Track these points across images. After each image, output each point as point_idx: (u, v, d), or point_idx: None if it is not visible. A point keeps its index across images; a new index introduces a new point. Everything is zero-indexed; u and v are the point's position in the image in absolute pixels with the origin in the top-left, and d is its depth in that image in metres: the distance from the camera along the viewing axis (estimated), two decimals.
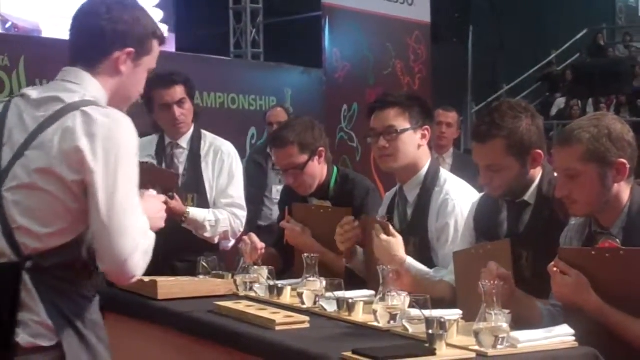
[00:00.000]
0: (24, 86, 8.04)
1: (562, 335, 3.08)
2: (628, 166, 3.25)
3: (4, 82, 7.93)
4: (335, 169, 4.80)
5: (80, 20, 2.89)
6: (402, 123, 4.16)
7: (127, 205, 2.68)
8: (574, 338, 3.08)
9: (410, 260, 4.03)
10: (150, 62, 2.96)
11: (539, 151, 3.68)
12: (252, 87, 10.67)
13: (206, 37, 14.55)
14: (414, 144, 4.18)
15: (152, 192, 3.12)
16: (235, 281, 4.28)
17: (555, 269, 3.20)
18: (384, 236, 4.03)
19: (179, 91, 5.05)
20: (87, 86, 2.82)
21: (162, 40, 3.00)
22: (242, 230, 5.14)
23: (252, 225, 5.45)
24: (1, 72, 7.93)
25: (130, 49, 2.87)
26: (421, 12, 12.87)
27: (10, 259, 2.69)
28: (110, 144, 2.67)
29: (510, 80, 19.82)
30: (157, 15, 14.41)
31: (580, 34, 22.00)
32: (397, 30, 12.42)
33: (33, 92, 2.83)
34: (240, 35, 13.35)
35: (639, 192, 3.32)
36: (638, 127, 12.89)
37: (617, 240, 3.22)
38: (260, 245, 4.51)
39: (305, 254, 3.96)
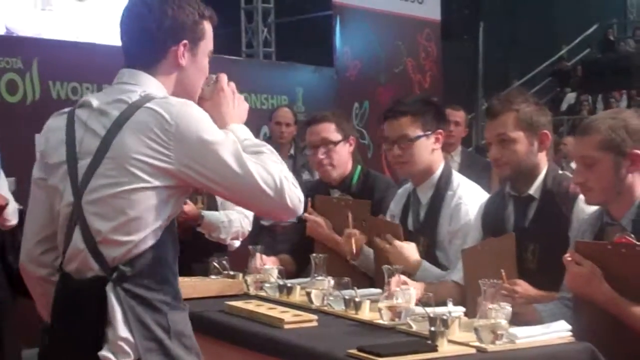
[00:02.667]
0: (37, 88, 8.16)
1: (559, 331, 3.18)
2: None
3: (17, 84, 8.04)
4: (359, 166, 4.92)
5: (127, 26, 2.78)
6: (415, 131, 4.22)
7: (233, 161, 2.60)
8: (570, 333, 3.18)
9: (426, 264, 4.15)
10: (206, 45, 2.84)
11: (547, 132, 3.80)
12: (264, 86, 10.74)
13: (218, 37, 14.56)
14: (427, 150, 4.26)
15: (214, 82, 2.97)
16: (246, 281, 4.38)
17: (569, 259, 3.30)
18: (397, 242, 4.14)
19: None
20: (145, 85, 2.72)
21: (212, 20, 2.88)
22: (250, 229, 5.24)
23: (254, 225, 5.53)
24: (15, 74, 8.02)
25: (184, 41, 2.76)
26: (431, 9, 12.91)
27: (96, 273, 2.62)
28: (184, 125, 2.57)
29: (521, 76, 19.82)
30: None
31: (591, 29, 21.96)
32: (407, 28, 12.46)
33: (94, 101, 2.73)
34: (252, 34, 13.44)
35: None
36: None
37: (632, 235, 3.30)
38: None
39: (314, 254, 4.07)
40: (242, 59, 12.94)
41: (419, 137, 4.22)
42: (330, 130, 4.81)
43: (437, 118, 4.31)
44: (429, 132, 4.25)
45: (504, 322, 3.09)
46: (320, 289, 3.92)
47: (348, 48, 11.71)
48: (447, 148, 7.39)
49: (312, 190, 5.01)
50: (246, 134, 2.81)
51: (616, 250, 3.27)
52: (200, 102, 2.84)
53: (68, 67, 8.64)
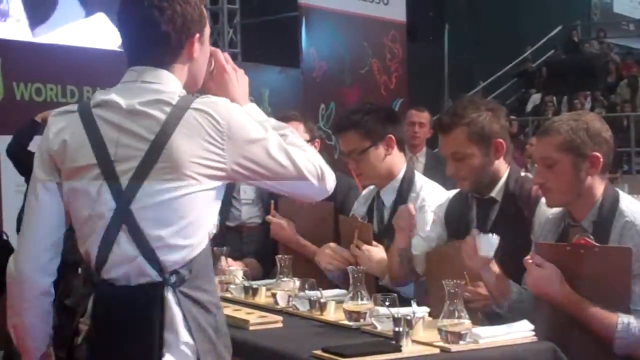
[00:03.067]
0: (0, 89, 8.14)
1: (522, 331, 3.22)
2: (602, 160, 3.37)
3: None
4: None
5: (136, 30, 2.66)
6: (361, 143, 4.22)
7: (281, 155, 2.61)
8: (533, 333, 3.22)
9: None
10: (208, 29, 2.77)
11: (501, 141, 3.79)
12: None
13: None
14: (380, 158, 4.27)
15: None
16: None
17: (530, 261, 3.34)
18: (366, 246, 4.16)
19: None
20: (170, 84, 2.63)
21: (203, 1, 2.79)
22: (215, 231, 5.22)
23: (220, 226, 5.51)
24: None
25: (197, 35, 2.68)
26: (397, 11, 12.96)
27: (152, 279, 2.54)
28: (233, 125, 2.55)
29: (486, 77, 19.90)
30: None
31: (555, 31, 22.10)
32: (373, 29, 12.51)
33: (117, 99, 2.60)
34: (218, 35, 13.40)
35: (612, 189, 3.45)
36: (613, 122, 13.06)
37: (591, 237, 3.32)
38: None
39: (279, 256, 4.08)
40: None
41: (366, 148, 4.23)
42: (299, 130, 4.81)
43: (384, 123, 4.29)
44: (378, 141, 4.25)
45: (467, 322, 3.12)
46: (286, 290, 3.93)
47: (314, 49, 11.74)
48: (412, 149, 7.45)
49: (276, 193, 4.99)
50: (262, 114, 2.77)
51: (575, 252, 3.31)
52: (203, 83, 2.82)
53: (33, 68, 8.62)
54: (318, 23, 11.74)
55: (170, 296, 2.53)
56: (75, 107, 2.70)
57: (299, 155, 2.65)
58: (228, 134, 2.54)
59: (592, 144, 3.36)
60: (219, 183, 2.60)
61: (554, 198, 3.45)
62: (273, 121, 2.75)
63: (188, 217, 2.55)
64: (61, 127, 2.67)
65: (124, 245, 2.55)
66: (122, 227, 2.54)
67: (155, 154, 2.52)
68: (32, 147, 6.70)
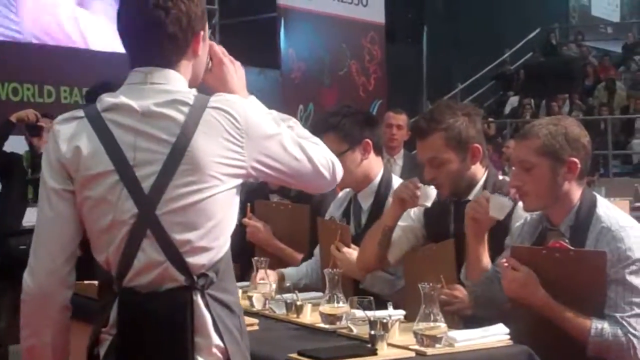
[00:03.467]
0: None
1: (497, 334, 3.23)
2: (579, 166, 3.38)
3: None
4: None
5: (141, 32, 2.58)
6: (338, 146, 4.13)
7: (296, 149, 2.62)
8: (508, 337, 3.23)
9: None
10: (207, 25, 2.71)
11: (478, 146, 3.81)
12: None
13: None
14: (356, 162, 4.26)
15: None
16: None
17: (506, 264, 3.35)
18: (346, 249, 4.15)
19: None
20: (178, 84, 2.58)
21: None
22: None
23: None
24: None
25: (201, 32, 2.63)
26: (375, 13, 12.98)
27: (180, 284, 2.49)
28: (251, 122, 2.53)
29: (465, 79, 19.95)
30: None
31: (533, 33, 22.17)
32: (352, 31, 12.52)
33: (131, 102, 2.52)
34: None
35: (589, 194, 3.46)
36: (590, 125, 13.12)
37: (567, 240, 3.35)
38: None
39: (255, 258, 4.08)
40: None
41: (343, 152, 4.18)
42: None
43: (361, 127, 4.28)
44: (354, 145, 4.24)
45: (443, 326, 3.13)
46: (262, 292, 3.92)
47: (293, 50, 11.74)
48: (390, 151, 7.45)
49: (252, 195, 5.00)
50: (263, 107, 2.72)
51: (551, 255, 3.32)
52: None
53: (9, 68, 8.59)
54: (297, 24, 11.75)
55: (199, 300, 2.49)
56: (81, 112, 2.61)
57: (312, 149, 2.67)
58: (246, 132, 2.51)
59: (570, 150, 3.38)
60: (239, 181, 2.56)
61: (531, 202, 3.46)
62: (275, 113, 2.72)
63: (214, 219, 2.50)
64: (71, 134, 2.56)
65: (150, 251, 2.48)
66: (146, 233, 2.48)
67: (178, 156, 2.46)
68: (7, 147, 6.67)
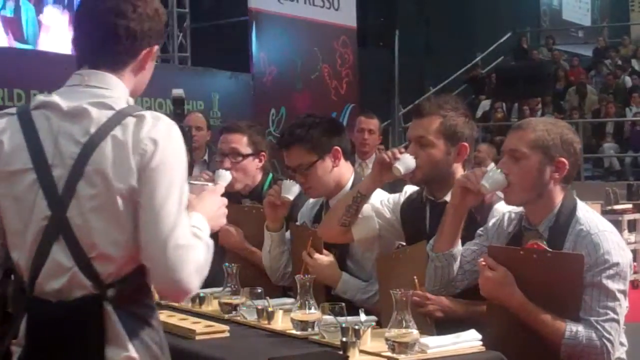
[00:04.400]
0: None
1: (470, 340, 3.20)
2: (567, 168, 3.39)
3: None
4: (271, 175, 4.92)
5: (102, 21, 2.52)
6: (308, 158, 4.18)
7: (180, 219, 2.41)
8: (481, 343, 3.21)
9: (345, 276, 4.16)
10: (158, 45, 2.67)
11: (467, 145, 3.84)
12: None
13: None
14: (327, 171, 4.24)
15: (207, 185, 2.85)
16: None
17: (483, 264, 3.34)
18: (317, 255, 4.14)
19: None
20: (117, 90, 2.52)
21: None
22: None
23: None
24: None
25: (156, 46, 2.61)
26: (347, 17, 13.01)
27: (89, 291, 2.41)
28: (168, 150, 2.42)
29: (437, 83, 19.97)
30: None
31: (505, 37, 22.27)
32: (323, 34, 12.54)
33: (58, 101, 2.47)
34: (167, 39, 13.36)
35: (571, 198, 3.46)
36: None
37: (545, 242, 3.35)
38: None
39: (226, 264, 4.05)
40: (157, 63, 12.76)
41: (313, 162, 4.19)
42: (241, 143, 4.81)
43: (329, 136, 4.26)
44: (323, 154, 4.22)
45: (415, 332, 3.10)
46: (233, 299, 3.89)
47: (264, 54, 11.73)
48: (362, 156, 7.47)
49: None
50: (204, 226, 2.56)
51: (528, 256, 3.32)
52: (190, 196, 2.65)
53: None
54: (268, 28, 11.74)
55: (111, 311, 2.41)
56: (14, 109, 2.58)
57: (185, 226, 2.43)
58: (154, 153, 2.40)
59: (562, 150, 3.39)
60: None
61: (514, 193, 3.45)
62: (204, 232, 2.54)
63: (120, 227, 2.41)
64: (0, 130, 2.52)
65: (59, 255, 2.41)
66: (58, 237, 2.41)
67: (85, 159, 2.40)
68: None
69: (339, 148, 4.26)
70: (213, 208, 2.73)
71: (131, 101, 2.54)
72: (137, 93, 2.66)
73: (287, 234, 4.54)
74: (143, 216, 2.39)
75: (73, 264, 2.40)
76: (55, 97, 2.50)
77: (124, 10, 2.51)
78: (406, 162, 3.76)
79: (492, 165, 3.62)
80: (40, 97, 2.54)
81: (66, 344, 2.41)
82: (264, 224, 4.51)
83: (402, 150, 3.86)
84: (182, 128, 2.60)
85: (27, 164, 2.44)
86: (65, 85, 2.56)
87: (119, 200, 2.39)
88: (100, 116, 2.43)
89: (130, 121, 2.42)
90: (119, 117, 2.43)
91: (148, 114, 2.45)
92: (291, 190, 4.24)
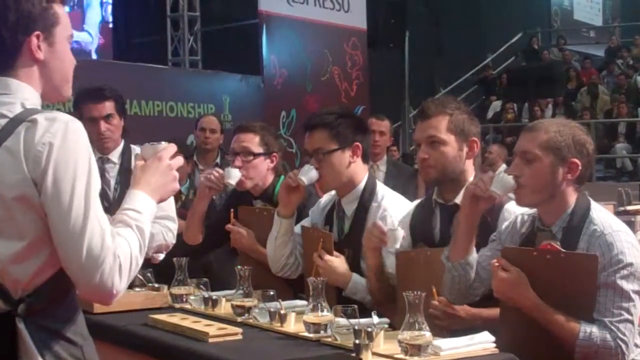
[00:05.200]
0: None
1: (483, 342, 3.19)
2: (580, 169, 3.39)
3: None
4: (282, 177, 4.92)
5: None
6: (329, 144, 4.23)
7: (89, 220, 2.32)
8: (494, 345, 3.20)
9: (356, 277, 4.15)
10: (64, 31, 2.52)
11: (476, 140, 3.86)
12: (190, 95, 10.73)
13: (144, 46, 14.52)
14: (344, 163, 4.25)
15: (157, 146, 2.67)
16: (170, 293, 4.33)
17: (497, 264, 3.34)
18: (328, 257, 4.14)
19: (107, 106, 5.01)
20: (19, 93, 2.44)
21: (63, 1, 2.57)
22: (174, 242, 5.15)
23: (180, 235, 5.46)
24: None
25: (36, 32, 2.44)
26: (357, 18, 13.00)
27: (1, 309, 2.35)
28: (64, 151, 2.32)
29: (447, 84, 19.97)
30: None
31: (516, 38, 22.24)
32: (333, 37, 12.54)
33: None
34: (178, 43, 13.40)
35: (585, 198, 3.46)
36: None
37: (558, 243, 3.34)
38: None
39: (239, 267, 4.05)
40: (168, 67, 12.89)
41: (333, 150, 4.23)
42: (253, 142, 4.83)
43: (354, 130, 4.31)
44: (345, 145, 4.25)
45: (428, 335, 3.09)
46: (245, 301, 3.89)
47: (275, 56, 11.73)
48: (372, 157, 7.45)
49: (235, 201, 5.01)
50: (142, 207, 2.53)
51: (541, 257, 3.31)
52: (137, 160, 2.65)
53: None
54: (279, 31, 11.74)
55: (21, 327, 2.34)
56: None
57: (97, 224, 2.35)
58: (48, 155, 2.32)
59: (575, 151, 3.39)
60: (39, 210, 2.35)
61: (526, 195, 3.45)
62: (141, 218, 2.50)
63: (22, 239, 2.35)
64: None
65: None
66: None
67: None
68: None
69: (360, 145, 4.28)
70: (158, 178, 2.60)
71: (32, 104, 2.44)
72: (60, 92, 2.57)
73: (297, 229, 4.53)
74: (52, 225, 2.33)
75: None
76: None
77: None
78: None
79: (502, 166, 3.61)
80: None
81: None
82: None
83: (384, 228, 3.87)
84: None
85: None
86: None
87: (17, 214, 2.33)
88: None
89: (22, 128, 2.34)
90: (12, 125, 2.35)
91: (41, 117, 2.36)
92: (308, 174, 4.23)
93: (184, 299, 4.23)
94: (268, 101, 11.52)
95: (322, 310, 3.48)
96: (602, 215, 3.39)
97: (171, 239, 5.08)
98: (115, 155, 5.12)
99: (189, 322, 3.70)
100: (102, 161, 5.08)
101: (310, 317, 3.48)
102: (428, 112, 3.86)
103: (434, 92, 18.84)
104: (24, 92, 2.45)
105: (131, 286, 4.42)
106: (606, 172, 18.34)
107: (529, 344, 3.28)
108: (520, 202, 3.52)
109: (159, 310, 4.10)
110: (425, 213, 3.97)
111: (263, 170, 4.86)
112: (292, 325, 3.64)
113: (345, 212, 4.35)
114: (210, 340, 3.44)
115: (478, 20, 21.74)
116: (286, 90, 11.79)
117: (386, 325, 3.35)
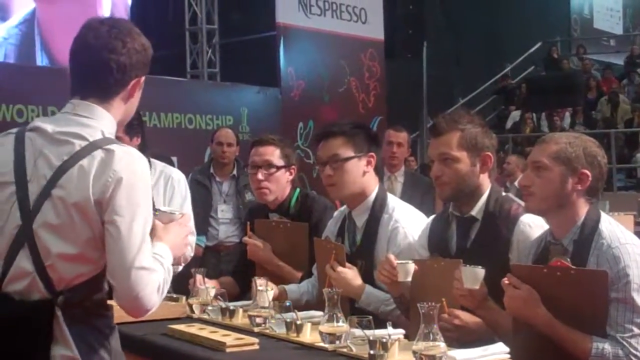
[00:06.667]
0: None
1: (497, 353, 3.21)
2: (590, 180, 3.41)
3: None
4: (298, 189, 4.96)
5: (94, 55, 2.85)
6: (346, 151, 4.27)
7: (143, 245, 2.74)
8: (508, 356, 3.21)
9: (369, 288, 4.16)
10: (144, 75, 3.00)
11: (490, 154, 3.86)
12: (208, 107, 10.75)
13: (163, 58, 14.55)
14: (358, 172, 4.29)
15: (173, 214, 3.17)
16: (188, 304, 4.37)
17: (507, 282, 3.35)
18: (340, 268, 4.16)
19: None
20: (102, 120, 2.85)
21: None
22: (192, 254, 5.18)
23: (199, 246, 5.52)
24: None
25: (143, 77, 2.94)
26: (375, 29, 12.97)
27: (43, 296, 2.73)
28: (132, 184, 2.72)
29: (466, 94, 19.94)
30: None
31: (535, 47, 22.15)
32: (351, 48, 12.51)
33: (47, 126, 2.82)
34: (197, 55, 13.44)
35: (595, 212, 3.46)
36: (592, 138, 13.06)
37: (569, 260, 3.35)
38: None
39: (255, 277, 4.08)
40: (186, 80, 12.94)
41: (349, 157, 4.27)
42: (274, 155, 4.89)
43: (369, 141, 4.35)
44: (361, 154, 4.29)
45: (442, 345, 3.11)
46: (262, 312, 3.92)
47: (292, 68, 11.73)
48: (390, 169, 7.48)
49: (252, 214, 5.05)
50: (167, 255, 2.91)
51: (552, 274, 3.31)
52: (154, 225, 2.95)
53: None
54: (296, 42, 11.75)
55: (59, 314, 2.71)
56: (16, 129, 2.91)
57: (147, 257, 2.76)
58: (114, 190, 2.71)
59: (585, 162, 3.41)
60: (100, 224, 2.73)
61: (534, 202, 3.47)
62: (167, 259, 2.89)
63: (74, 244, 2.73)
64: None
65: (23, 261, 2.74)
66: (24, 244, 2.74)
67: (56, 179, 2.73)
68: None
69: (374, 155, 4.32)
70: (177, 238, 3.05)
71: (109, 133, 2.84)
72: (127, 118, 3.01)
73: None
74: (111, 243, 2.72)
75: (33, 270, 2.74)
76: (47, 123, 2.85)
77: (115, 46, 2.83)
78: (407, 270, 3.83)
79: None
80: (37, 121, 2.89)
81: (15, 339, 2.71)
82: (291, 238, 4.54)
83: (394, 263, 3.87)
84: None
85: (10, 178, 2.80)
86: (61, 112, 2.91)
87: (76, 222, 2.72)
88: (75, 145, 2.76)
89: (98, 154, 2.74)
90: (90, 149, 2.75)
91: (119, 149, 2.76)
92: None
93: (202, 310, 4.27)
94: (285, 112, 11.52)
95: (337, 321, 3.50)
96: (610, 227, 3.39)
97: (189, 252, 5.11)
98: None
99: (206, 332, 3.74)
100: None
101: (326, 328, 3.50)
102: (439, 128, 3.87)
103: (453, 102, 18.82)
104: (106, 120, 2.87)
105: None
106: (627, 182, 18.25)
107: (542, 355, 3.29)
108: (529, 209, 3.57)
109: (177, 320, 4.14)
110: (441, 225, 3.99)
111: (283, 182, 4.90)
112: (308, 336, 3.68)
113: (356, 224, 4.38)
114: (228, 350, 3.49)
115: (497, 30, 21.68)
116: (303, 101, 11.79)
117: (401, 336, 3.37)
